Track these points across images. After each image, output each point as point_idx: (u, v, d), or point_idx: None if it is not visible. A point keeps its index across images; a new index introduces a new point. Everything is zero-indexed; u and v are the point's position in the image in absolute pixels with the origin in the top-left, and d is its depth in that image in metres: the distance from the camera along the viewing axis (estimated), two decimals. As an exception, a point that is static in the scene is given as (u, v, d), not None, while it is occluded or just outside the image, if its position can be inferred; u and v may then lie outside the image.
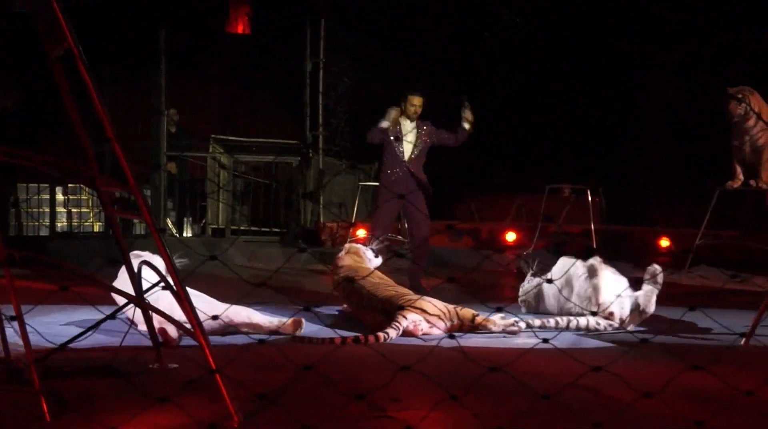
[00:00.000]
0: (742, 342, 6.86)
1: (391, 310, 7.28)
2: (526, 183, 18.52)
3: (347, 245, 8.98)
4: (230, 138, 16.23)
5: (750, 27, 16.36)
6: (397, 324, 7.08)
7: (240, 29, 16.81)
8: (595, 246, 13.20)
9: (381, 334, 6.87)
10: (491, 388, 4.93)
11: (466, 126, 10.29)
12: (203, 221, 16.20)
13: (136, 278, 5.39)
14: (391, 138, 10.15)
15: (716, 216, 11.61)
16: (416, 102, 10.19)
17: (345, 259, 8.55)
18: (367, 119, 17.07)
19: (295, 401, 4.76)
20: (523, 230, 14.97)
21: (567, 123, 18.28)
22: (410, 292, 7.79)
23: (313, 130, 16.21)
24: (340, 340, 6.66)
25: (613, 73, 18.36)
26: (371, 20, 17.62)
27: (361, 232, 13.21)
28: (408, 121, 10.24)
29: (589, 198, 13.70)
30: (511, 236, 14.74)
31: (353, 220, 14.48)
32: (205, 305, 6.70)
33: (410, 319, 7.19)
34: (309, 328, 7.10)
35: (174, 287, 4.64)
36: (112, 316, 4.70)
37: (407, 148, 10.19)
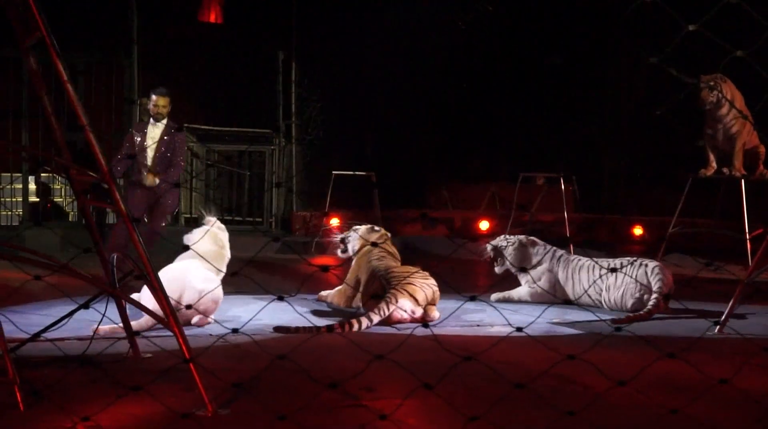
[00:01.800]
0: (716, 330, 6.90)
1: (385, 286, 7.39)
2: (500, 171, 18.56)
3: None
4: (203, 127, 16.14)
5: (724, 14, 16.40)
6: (383, 309, 7.10)
7: (212, 18, 16.73)
8: (568, 234, 13.23)
9: (357, 322, 6.88)
10: (465, 377, 4.94)
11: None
12: (176, 211, 16.13)
13: (110, 269, 5.37)
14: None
15: (690, 204, 11.65)
16: (161, 102, 10.13)
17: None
18: (340, 107, 17.07)
19: (270, 390, 4.76)
20: (497, 219, 14.99)
21: (540, 111, 18.30)
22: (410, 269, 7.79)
23: (286, 119, 16.16)
24: (325, 329, 6.69)
25: (587, 62, 18.41)
26: (344, 9, 17.58)
27: (335, 221, 13.20)
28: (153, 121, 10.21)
29: (563, 186, 13.73)
30: (484, 225, 14.76)
31: (327, 210, 14.45)
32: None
33: (400, 305, 7.20)
34: (287, 316, 7.04)
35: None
36: (85, 306, 4.68)
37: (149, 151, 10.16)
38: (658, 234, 11.29)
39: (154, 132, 10.12)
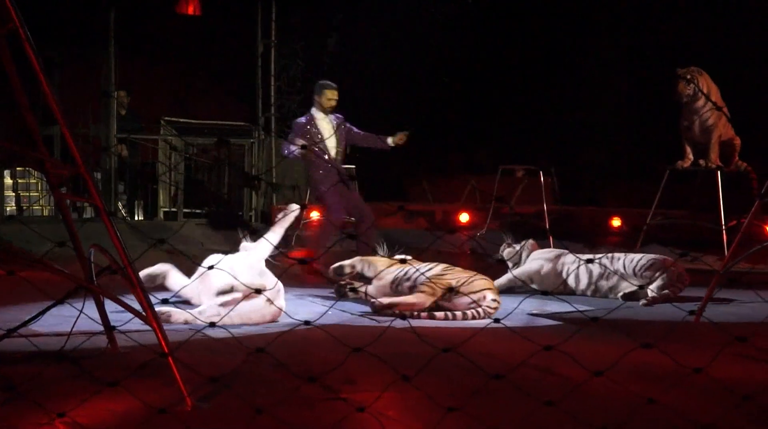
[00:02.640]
0: (693, 319, 6.94)
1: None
2: (480, 164, 18.59)
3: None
4: (181, 120, 16.08)
5: (700, 10, 16.50)
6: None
7: (191, 10, 16.68)
8: (548, 226, 13.26)
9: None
10: (444, 369, 4.95)
11: (390, 142, 10.24)
12: (155, 204, 16.07)
13: (88, 264, 5.34)
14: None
15: (667, 196, 11.71)
16: (332, 95, 10.14)
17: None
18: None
19: (249, 384, 4.76)
20: (477, 211, 15.01)
21: (520, 104, 18.34)
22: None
23: (266, 112, 16.11)
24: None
25: (565, 54, 18.44)
26: (324, 1, 17.56)
27: (315, 215, 13.17)
28: (323, 115, 10.21)
29: (542, 179, 13.75)
30: (464, 217, 14.77)
31: (306, 203, 14.42)
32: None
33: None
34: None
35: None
36: (61, 302, 4.66)
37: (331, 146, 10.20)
38: (635, 225, 11.32)
39: (326, 125, 10.16)
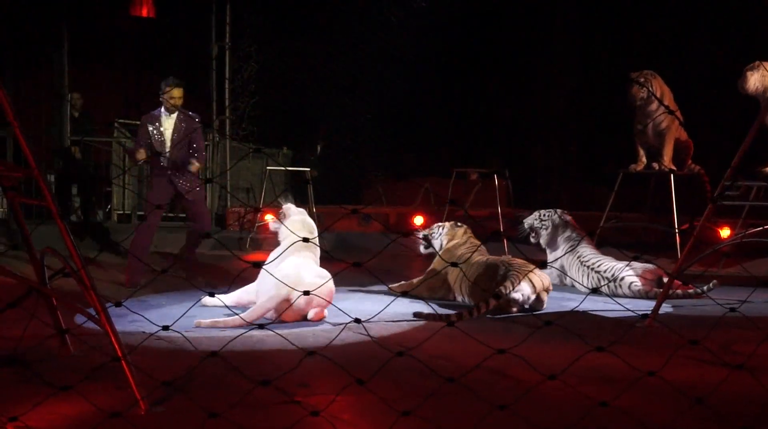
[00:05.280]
0: (645, 323, 7.00)
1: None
2: (433, 167, 18.64)
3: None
4: (135, 122, 15.95)
5: (650, 12, 16.64)
6: (508, 286, 7.78)
7: (144, 12, 16.56)
8: (502, 229, 13.30)
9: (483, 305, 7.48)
10: (399, 372, 4.96)
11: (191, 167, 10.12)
12: (108, 207, 15.95)
13: (40, 266, 5.30)
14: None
15: (621, 198, 11.79)
16: (177, 94, 10.05)
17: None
18: (274, 102, 16.98)
19: (202, 388, 4.74)
20: (431, 214, 15.03)
21: (473, 107, 18.41)
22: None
23: (220, 114, 16.05)
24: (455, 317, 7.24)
25: (519, 57, 18.54)
26: (277, 3, 17.52)
27: (269, 217, 13.14)
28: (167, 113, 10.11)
29: (496, 181, 13.80)
30: (419, 220, 14.79)
31: (261, 206, 14.38)
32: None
33: (520, 288, 7.88)
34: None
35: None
36: (12, 305, 4.61)
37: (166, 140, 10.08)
38: (589, 228, 11.40)
39: (168, 122, 10.01)
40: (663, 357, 4.48)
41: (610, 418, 4.18)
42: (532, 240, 10.15)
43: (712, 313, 7.65)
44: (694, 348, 4.37)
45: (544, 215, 10.10)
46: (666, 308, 7.98)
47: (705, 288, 8.69)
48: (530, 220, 10.16)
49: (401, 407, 3.97)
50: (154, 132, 9.94)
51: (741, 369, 4.56)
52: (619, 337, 5.04)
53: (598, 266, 9.29)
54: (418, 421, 3.99)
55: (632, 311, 5.63)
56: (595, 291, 8.87)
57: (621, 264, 9.14)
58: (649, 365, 4.26)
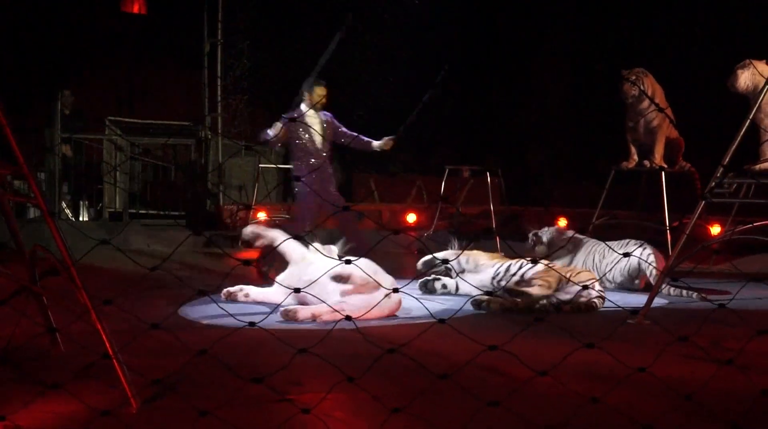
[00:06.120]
0: (636, 319, 7.01)
1: None
2: (426, 164, 18.64)
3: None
4: (126, 120, 15.94)
5: (644, 12, 16.66)
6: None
7: (136, 9, 16.56)
8: (494, 226, 13.32)
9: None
10: (390, 370, 4.95)
11: (375, 146, 10.32)
12: (100, 205, 15.92)
13: (30, 265, 5.28)
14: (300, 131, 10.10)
15: (612, 196, 11.81)
16: (321, 92, 10.15)
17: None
18: (265, 100, 16.95)
19: (194, 386, 4.73)
20: (424, 211, 15.04)
21: (467, 105, 18.41)
22: None
23: (212, 111, 16.03)
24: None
25: (511, 56, 18.54)
26: (269, 1, 17.51)
27: (262, 215, 13.13)
28: (313, 112, 10.18)
29: (489, 179, 13.80)
30: (411, 217, 14.79)
31: (253, 204, 14.37)
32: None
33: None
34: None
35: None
36: (3, 303, 4.60)
37: (317, 139, 10.16)
38: (581, 225, 11.40)
39: (314, 121, 10.16)
40: (653, 353, 4.49)
41: (600, 414, 4.18)
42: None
43: (701, 309, 7.67)
44: (684, 344, 4.38)
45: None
46: (658, 303, 8.00)
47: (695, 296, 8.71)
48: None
49: (393, 404, 3.97)
50: (303, 133, 10.00)
51: (730, 365, 4.57)
52: (610, 334, 5.05)
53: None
54: (410, 418, 3.99)
55: (623, 308, 5.64)
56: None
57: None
58: (639, 361, 4.26)
